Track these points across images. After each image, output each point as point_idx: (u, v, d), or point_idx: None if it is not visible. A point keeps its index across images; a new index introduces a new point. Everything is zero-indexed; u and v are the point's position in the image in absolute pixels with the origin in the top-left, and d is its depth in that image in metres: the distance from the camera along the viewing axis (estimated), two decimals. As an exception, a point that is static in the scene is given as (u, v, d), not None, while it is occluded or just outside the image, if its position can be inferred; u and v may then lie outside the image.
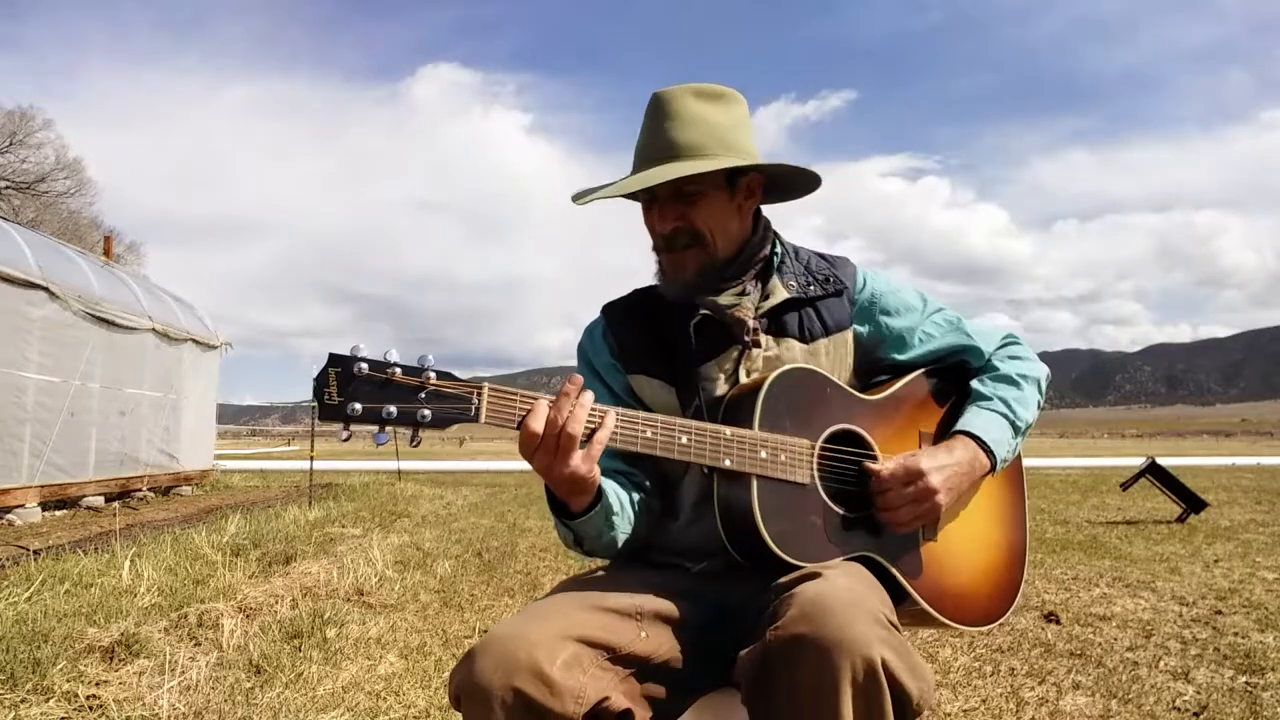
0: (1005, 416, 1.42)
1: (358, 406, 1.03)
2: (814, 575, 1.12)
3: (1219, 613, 4.08)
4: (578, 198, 1.40)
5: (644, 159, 1.37)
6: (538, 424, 1.11)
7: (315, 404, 1.03)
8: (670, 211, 1.37)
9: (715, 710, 1.18)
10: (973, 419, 1.41)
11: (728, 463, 1.21)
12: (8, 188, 30.84)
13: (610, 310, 1.54)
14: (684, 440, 1.19)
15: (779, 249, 1.47)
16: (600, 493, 1.23)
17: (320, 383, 1.03)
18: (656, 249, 1.42)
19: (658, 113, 1.37)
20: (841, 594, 1.04)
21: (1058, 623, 3.89)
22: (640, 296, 1.52)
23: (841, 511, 1.27)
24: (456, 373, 1.09)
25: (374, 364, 1.04)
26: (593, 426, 1.14)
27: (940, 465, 1.31)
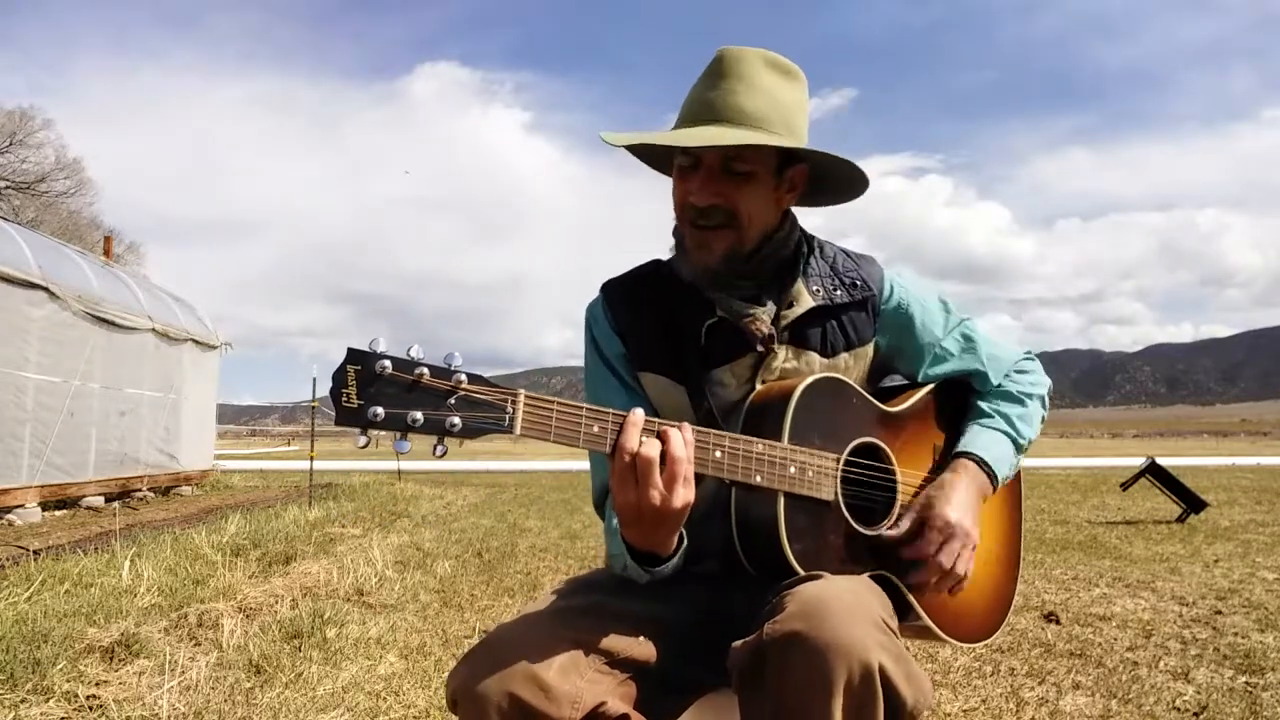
0: (1007, 434, 1.40)
1: (380, 411, 0.91)
2: (816, 577, 1.09)
3: (1219, 613, 4.08)
4: (613, 138, 1.27)
5: (698, 117, 1.23)
6: (650, 447, 1.01)
7: (331, 405, 0.91)
8: (714, 185, 1.24)
9: (714, 710, 1.18)
10: (973, 438, 1.39)
11: (758, 479, 1.14)
12: (8, 188, 30.85)
13: (611, 291, 1.41)
14: (717, 455, 1.11)
15: (804, 249, 1.37)
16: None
17: (338, 382, 0.91)
18: (682, 221, 1.30)
19: (724, 71, 1.23)
20: (842, 595, 1.01)
21: (1058, 623, 3.89)
22: (644, 278, 1.40)
23: (859, 529, 1.25)
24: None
25: (398, 363, 0.92)
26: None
27: (958, 503, 1.28)
